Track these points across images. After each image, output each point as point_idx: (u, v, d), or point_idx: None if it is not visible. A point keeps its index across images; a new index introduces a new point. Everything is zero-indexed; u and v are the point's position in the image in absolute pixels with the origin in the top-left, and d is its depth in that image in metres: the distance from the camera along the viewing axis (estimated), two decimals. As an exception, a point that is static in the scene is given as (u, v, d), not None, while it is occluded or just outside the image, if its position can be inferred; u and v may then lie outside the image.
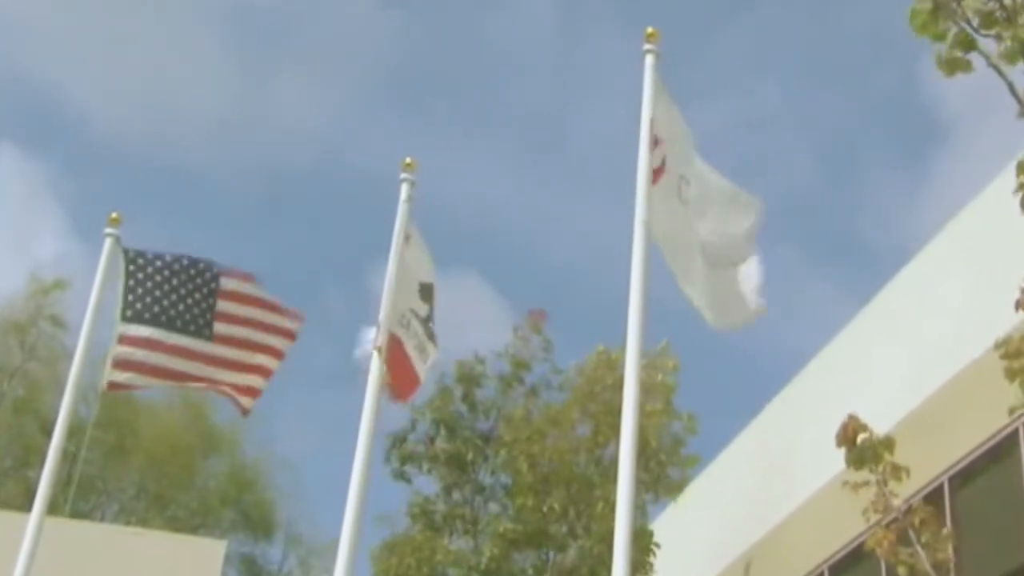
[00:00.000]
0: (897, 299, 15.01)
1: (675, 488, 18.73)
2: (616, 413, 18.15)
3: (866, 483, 7.43)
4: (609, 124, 40.94)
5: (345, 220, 45.16)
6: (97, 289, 12.25)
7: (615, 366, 18.85)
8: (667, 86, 10.24)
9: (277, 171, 48.51)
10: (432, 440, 20.13)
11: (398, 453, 19.94)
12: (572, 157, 47.61)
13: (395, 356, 10.63)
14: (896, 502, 7.59)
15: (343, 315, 42.88)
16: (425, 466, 20.07)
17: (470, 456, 19.91)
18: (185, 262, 12.18)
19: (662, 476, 18.36)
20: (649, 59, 10.40)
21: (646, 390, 17.64)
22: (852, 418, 7.32)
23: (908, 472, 7.43)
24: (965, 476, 13.04)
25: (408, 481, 20.12)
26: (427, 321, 11.04)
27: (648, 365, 17.60)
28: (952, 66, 5.80)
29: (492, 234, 46.99)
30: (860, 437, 7.35)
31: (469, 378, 20.25)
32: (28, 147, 51.19)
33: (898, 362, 14.52)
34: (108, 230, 12.38)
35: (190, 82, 47.27)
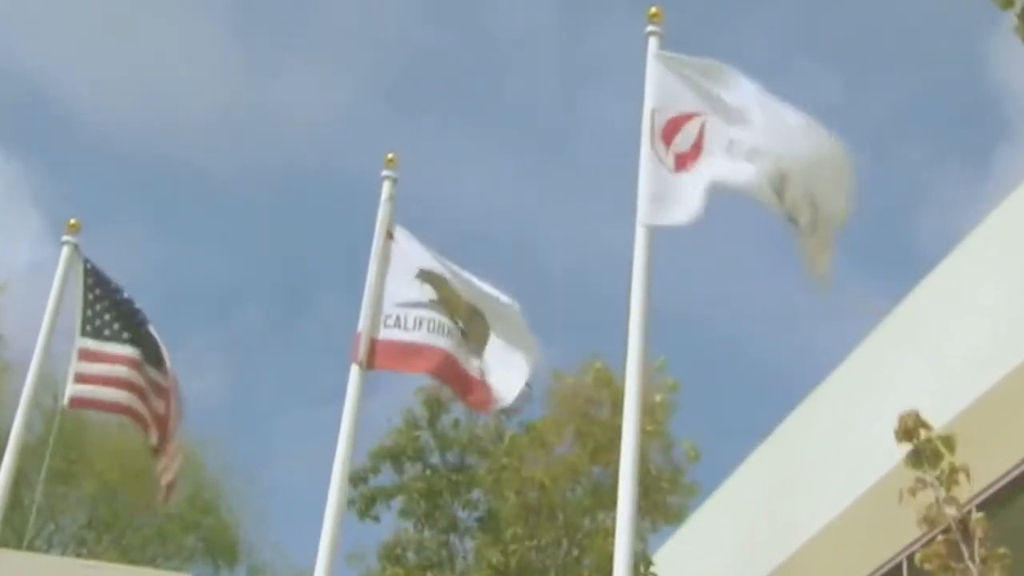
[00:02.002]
0: (924, 306, 14.10)
1: (673, 516, 18.22)
2: (599, 434, 17.78)
3: (925, 486, 6.64)
4: (615, 121, 39.80)
5: (346, 220, 43.97)
6: (53, 300, 11.61)
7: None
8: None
9: (278, 170, 47.30)
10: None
11: (360, 495, 19.20)
12: (576, 155, 46.52)
13: (387, 355, 9.94)
14: (951, 511, 6.85)
15: (344, 323, 41.39)
16: (396, 503, 19.44)
17: (440, 489, 19.29)
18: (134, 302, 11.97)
19: (661, 503, 17.66)
20: (652, 42, 9.49)
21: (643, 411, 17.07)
22: (911, 413, 6.57)
23: (968, 474, 6.66)
24: (997, 501, 12.22)
25: (376, 519, 19.49)
26: (438, 305, 10.02)
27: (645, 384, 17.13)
28: None
29: (493, 235, 45.83)
30: (921, 434, 6.56)
31: (436, 403, 19.58)
32: (12, 145, 49.52)
33: (923, 376, 13.62)
34: (66, 237, 11.87)
35: (190, 78, 46.08)
